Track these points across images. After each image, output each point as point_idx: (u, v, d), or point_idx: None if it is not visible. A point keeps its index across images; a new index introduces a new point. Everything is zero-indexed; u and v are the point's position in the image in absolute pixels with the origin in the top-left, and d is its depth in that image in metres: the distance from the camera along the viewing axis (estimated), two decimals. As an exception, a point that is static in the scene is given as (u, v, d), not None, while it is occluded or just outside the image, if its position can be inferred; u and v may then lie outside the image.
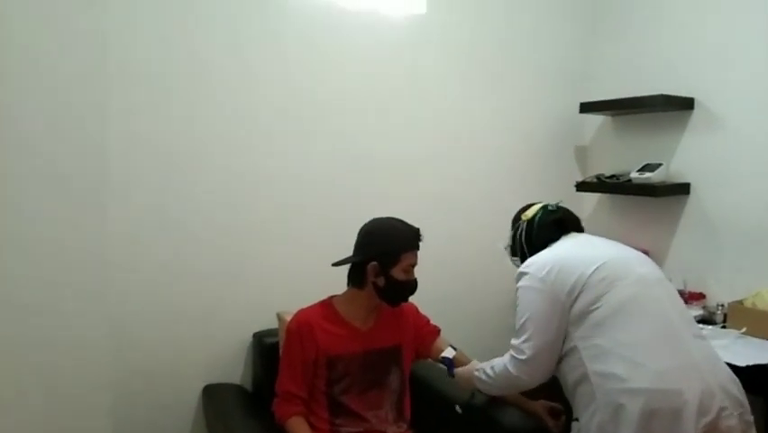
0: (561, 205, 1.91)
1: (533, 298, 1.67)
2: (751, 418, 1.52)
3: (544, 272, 1.67)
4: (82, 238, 1.49)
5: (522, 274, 1.73)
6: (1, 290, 1.40)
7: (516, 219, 1.94)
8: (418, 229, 1.90)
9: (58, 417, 1.50)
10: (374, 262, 1.85)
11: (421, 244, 1.90)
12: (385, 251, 1.86)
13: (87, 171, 1.49)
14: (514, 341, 1.70)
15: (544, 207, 1.89)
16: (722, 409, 1.45)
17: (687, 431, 1.41)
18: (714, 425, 1.43)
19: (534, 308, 1.66)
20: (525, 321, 1.67)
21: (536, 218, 1.86)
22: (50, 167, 1.44)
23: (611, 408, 1.48)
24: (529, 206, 1.93)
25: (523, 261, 1.80)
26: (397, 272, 1.85)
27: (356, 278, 1.91)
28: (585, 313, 1.60)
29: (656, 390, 1.46)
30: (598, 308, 1.59)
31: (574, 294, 1.61)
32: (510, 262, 1.96)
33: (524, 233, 1.87)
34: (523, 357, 1.66)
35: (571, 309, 1.62)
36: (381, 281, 1.86)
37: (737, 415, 1.48)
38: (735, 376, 1.57)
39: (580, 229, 1.90)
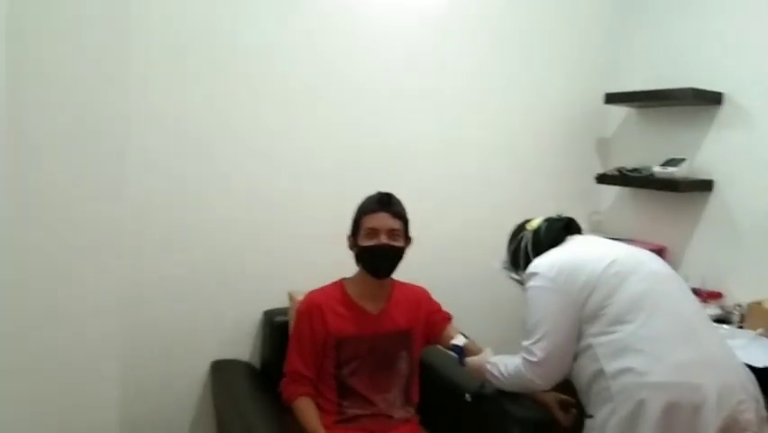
0: (563, 215, 1.90)
1: (544, 298, 1.65)
2: (765, 413, 1.51)
3: (554, 272, 1.64)
4: (97, 212, 1.49)
5: (531, 275, 1.70)
6: (11, 259, 1.40)
7: (518, 232, 1.92)
8: (386, 193, 1.88)
9: (68, 386, 1.52)
10: (348, 234, 1.90)
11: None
12: (353, 222, 1.90)
13: (104, 146, 1.48)
14: (525, 343, 1.67)
15: (548, 218, 1.88)
16: (740, 402, 1.45)
17: (707, 425, 1.40)
18: (733, 419, 1.43)
19: (546, 309, 1.64)
20: (536, 322, 1.65)
21: (542, 227, 1.85)
22: (66, 135, 1.43)
23: (631, 403, 1.46)
24: (528, 220, 1.92)
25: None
26: (362, 239, 1.86)
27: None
28: (599, 310, 1.58)
29: (677, 383, 1.44)
30: (611, 304, 1.56)
31: (586, 291, 1.59)
32: (509, 278, 1.93)
33: (529, 242, 1.84)
34: (534, 359, 1.64)
35: (583, 307, 1.60)
36: (356, 251, 1.89)
37: (754, 409, 1.47)
38: (749, 371, 1.57)
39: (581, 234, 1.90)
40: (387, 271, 1.90)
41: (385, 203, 1.87)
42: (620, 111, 2.94)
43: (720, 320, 2.34)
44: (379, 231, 1.84)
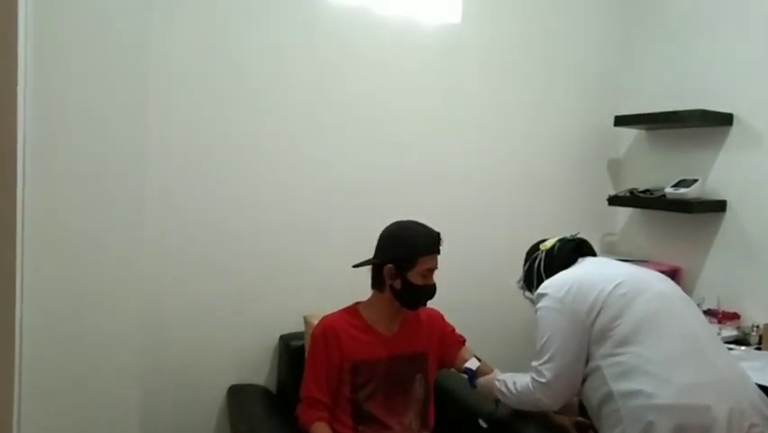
0: (578, 236, 1.92)
1: (552, 319, 1.66)
2: None
3: (562, 293, 1.66)
4: (118, 237, 1.53)
5: (541, 296, 1.72)
6: (40, 285, 1.43)
7: (533, 251, 1.95)
8: (438, 234, 1.88)
9: (87, 410, 1.53)
10: (390, 265, 1.85)
11: (449, 251, 1.90)
12: (402, 254, 1.85)
13: (125, 170, 1.52)
14: (534, 363, 1.69)
15: (562, 238, 1.90)
16: (752, 426, 1.43)
17: None
18: None
19: (554, 329, 1.65)
20: (545, 342, 1.66)
21: (555, 247, 1.87)
22: (90, 165, 1.47)
23: (640, 426, 1.46)
24: (543, 240, 1.94)
25: None
26: (414, 276, 1.84)
27: (375, 280, 1.92)
28: (606, 331, 1.58)
29: (685, 405, 1.43)
30: (619, 325, 1.57)
31: (594, 312, 1.60)
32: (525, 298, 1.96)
33: (542, 262, 1.86)
34: (543, 380, 1.65)
35: (592, 328, 1.61)
36: (398, 284, 1.86)
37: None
38: (763, 393, 1.55)
39: (594, 255, 1.92)
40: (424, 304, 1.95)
41: (438, 243, 1.88)
42: (630, 133, 2.96)
43: (737, 341, 2.31)
44: (433, 271, 1.88)
